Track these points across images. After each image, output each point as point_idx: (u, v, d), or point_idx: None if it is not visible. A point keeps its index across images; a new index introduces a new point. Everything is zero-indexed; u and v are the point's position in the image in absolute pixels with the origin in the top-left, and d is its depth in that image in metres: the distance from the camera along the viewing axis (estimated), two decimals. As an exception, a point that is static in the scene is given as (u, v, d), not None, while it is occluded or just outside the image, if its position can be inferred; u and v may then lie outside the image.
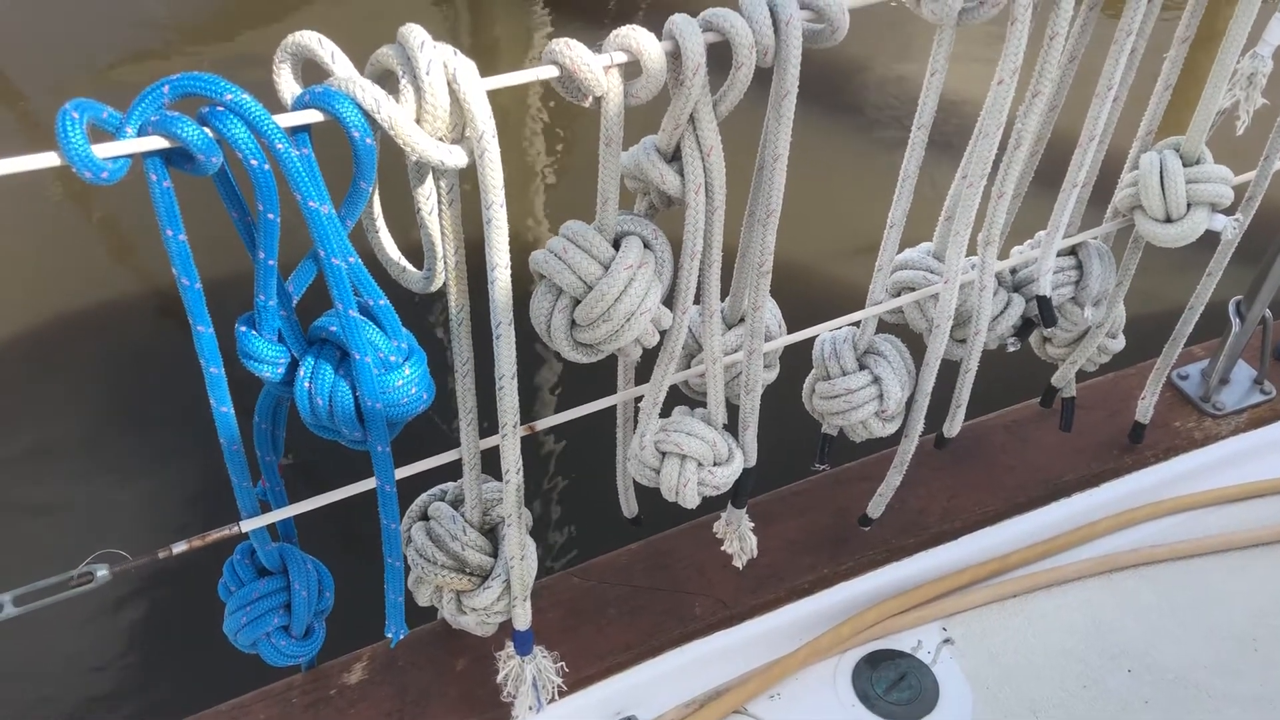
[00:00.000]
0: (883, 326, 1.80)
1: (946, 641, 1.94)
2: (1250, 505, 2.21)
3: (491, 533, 1.54)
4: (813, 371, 1.80)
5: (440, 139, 1.10)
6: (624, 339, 1.31)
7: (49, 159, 0.95)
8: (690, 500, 1.54)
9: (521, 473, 1.41)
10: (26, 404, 4.00)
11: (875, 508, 1.95)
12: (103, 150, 0.95)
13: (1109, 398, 2.32)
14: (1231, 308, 2.28)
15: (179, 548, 1.31)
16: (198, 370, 1.15)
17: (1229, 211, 1.78)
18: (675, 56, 1.18)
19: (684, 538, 2.00)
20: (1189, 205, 1.73)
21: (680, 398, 1.66)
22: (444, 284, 1.26)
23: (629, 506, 1.85)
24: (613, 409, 1.66)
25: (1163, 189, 1.73)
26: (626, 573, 1.94)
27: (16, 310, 4.33)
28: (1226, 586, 2.05)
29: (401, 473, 1.38)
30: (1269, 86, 1.71)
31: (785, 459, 2.02)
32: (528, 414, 1.34)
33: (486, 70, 1.11)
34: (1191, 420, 2.30)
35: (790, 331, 1.67)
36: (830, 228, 4.42)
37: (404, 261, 1.28)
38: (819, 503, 2.07)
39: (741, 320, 1.58)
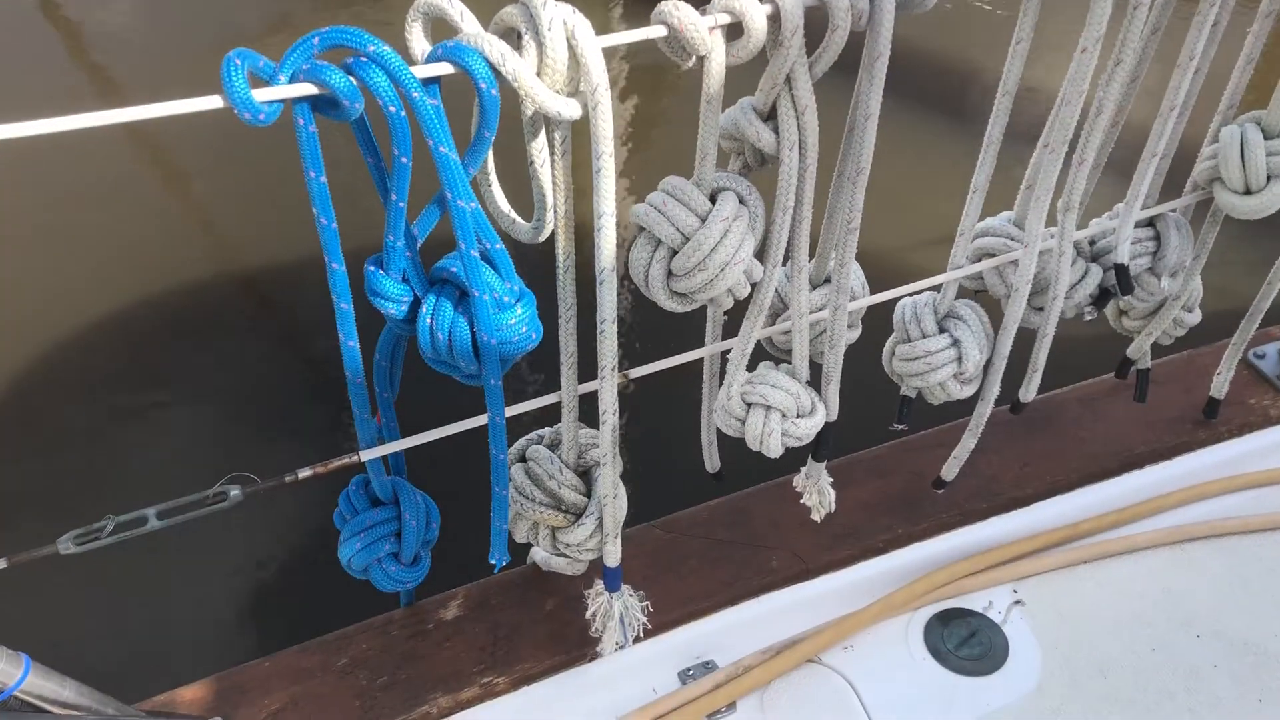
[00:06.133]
0: (963, 293, 1.86)
1: (1017, 603, 1.99)
2: (1324, 483, 2.23)
3: (585, 475, 1.63)
4: (893, 335, 1.86)
5: (557, 92, 1.19)
6: (718, 288, 1.39)
7: (212, 101, 1.05)
8: (774, 450, 1.62)
9: (618, 414, 1.50)
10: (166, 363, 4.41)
11: (949, 471, 2.01)
12: (260, 95, 1.05)
13: (1184, 374, 2.34)
14: (1310, 287, 2.29)
15: (304, 473, 1.42)
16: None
17: None
18: (775, 19, 1.26)
19: (762, 496, 2.07)
20: (1269, 177, 1.77)
21: (764, 355, 1.74)
22: (552, 233, 1.35)
23: (712, 461, 1.92)
24: (699, 365, 1.74)
25: (1243, 161, 1.76)
26: (707, 526, 2.02)
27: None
28: (1298, 559, 2.07)
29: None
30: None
31: (862, 423, 2.08)
32: (621, 366, 1.41)
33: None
34: (1267, 398, 2.32)
35: (872, 294, 1.74)
36: (912, 198, 4.54)
37: (514, 214, 1.37)
38: (894, 467, 2.13)
39: (827, 280, 1.65)
